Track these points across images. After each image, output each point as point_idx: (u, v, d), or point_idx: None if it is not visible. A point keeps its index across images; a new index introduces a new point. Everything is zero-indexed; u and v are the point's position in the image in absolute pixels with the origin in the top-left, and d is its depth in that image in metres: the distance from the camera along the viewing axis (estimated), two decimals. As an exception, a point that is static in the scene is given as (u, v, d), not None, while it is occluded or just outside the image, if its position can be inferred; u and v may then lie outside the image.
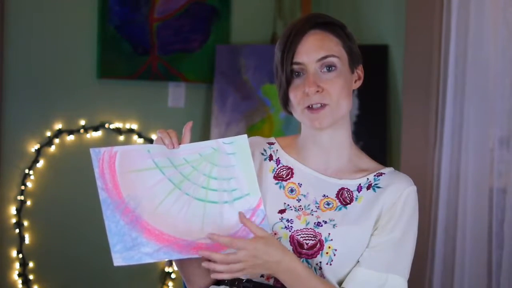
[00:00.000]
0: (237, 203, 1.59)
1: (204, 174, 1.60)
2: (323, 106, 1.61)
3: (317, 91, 1.60)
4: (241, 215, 1.52)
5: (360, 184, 1.66)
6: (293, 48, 1.62)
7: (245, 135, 1.61)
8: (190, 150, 1.61)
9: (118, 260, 1.58)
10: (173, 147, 1.61)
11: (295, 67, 1.62)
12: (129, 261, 1.57)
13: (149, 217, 1.59)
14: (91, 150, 1.60)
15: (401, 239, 1.61)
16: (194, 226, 1.58)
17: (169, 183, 1.60)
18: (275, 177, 1.69)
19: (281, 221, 1.63)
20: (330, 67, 1.62)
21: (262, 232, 1.52)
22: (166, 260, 1.66)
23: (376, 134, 3.34)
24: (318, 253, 1.60)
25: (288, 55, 1.62)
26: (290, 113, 1.69)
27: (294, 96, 1.63)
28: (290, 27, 1.65)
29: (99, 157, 1.60)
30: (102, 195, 1.59)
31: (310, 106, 1.61)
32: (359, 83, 1.70)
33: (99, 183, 1.59)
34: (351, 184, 1.66)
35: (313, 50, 1.61)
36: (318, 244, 1.60)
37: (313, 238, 1.61)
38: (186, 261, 1.68)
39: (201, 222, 1.59)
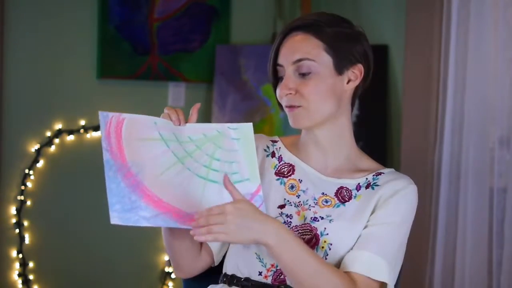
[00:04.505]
0: (236, 186, 1.59)
1: (207, 154, 1.61)
2: (296, 107, 1.62)
3: (290, 93, 1.62)
4: (226, 178, 1.53)
5: (359, 183, 1.66)
6: (276, 49, 1.66)
7: (251, 123, 1.61)
8: (195, 129, 1.61)
9: (115, 219, 1.58)
10: (179, 124, 1.61)
11: (278, 68, 1.66)
12: (126, 222, 1.58)
13: (150, 184, 1.60)
14: (100, 113, 1.59)
15: (394, 227, 1.59)
16: (193, 200, 1.60)
17: (172, 156, 1.60)
18: (276, 173, 1.70)
19: (281, 215, 1.64)
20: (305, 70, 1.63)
21: (242, 197, 1.53)
22: (163, 227, 1.67)
23: (376, 134, 3.34)
24: (314, 248, 1.60)
25: (272, 56, 1.66)
26: None
27: (276, 95, 1.67)
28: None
29: (107, 120, 1.60)
30: (105, 155, 1.59)
31: (289, 105, 1.64)
32: (353, 84, 1.69)
33: (104, 144, 1.59)
34: (350, 183, 1.66)
35: (290, 52, 1.63)
36: (314, 239, 1.60)
37: (309, 233, 1.61)
38: (176, 243, 1.68)
39: (200, 199, 1.60)
